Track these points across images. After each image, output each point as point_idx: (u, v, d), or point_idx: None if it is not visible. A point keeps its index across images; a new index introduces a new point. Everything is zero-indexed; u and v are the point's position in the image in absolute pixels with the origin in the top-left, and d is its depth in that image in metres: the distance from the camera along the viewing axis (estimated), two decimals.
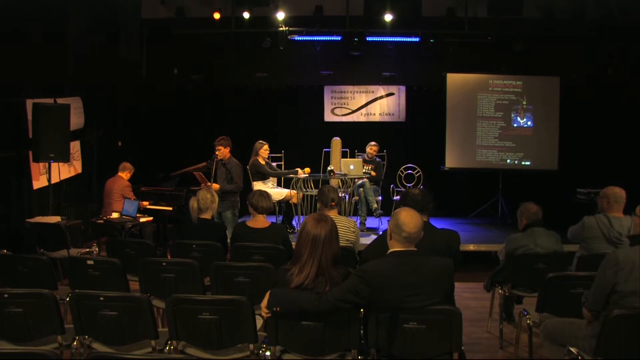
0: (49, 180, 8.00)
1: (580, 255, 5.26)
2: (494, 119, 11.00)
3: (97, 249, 7.41)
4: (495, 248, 6.66)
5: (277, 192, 8.57)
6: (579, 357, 3.55)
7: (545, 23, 10.16)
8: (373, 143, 9.70)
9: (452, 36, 10.68)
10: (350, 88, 11.77)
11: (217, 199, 5.64)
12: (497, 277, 5.32)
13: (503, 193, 11.04)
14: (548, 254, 4.98)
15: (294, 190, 8.64)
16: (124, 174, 8.62)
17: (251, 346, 3.58)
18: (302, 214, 8.75)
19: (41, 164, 8.09)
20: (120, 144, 10.77)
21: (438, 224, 4.83)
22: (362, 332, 3.46)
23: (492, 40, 10.80)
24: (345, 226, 5.22)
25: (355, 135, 10.61)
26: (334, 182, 8.73)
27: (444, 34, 10.64)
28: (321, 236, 3.35)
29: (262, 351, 3.57)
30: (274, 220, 8.58)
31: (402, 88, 11.72)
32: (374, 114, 11.78)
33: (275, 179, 8.98)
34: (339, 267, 3.39)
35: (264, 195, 5.46)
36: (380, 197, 9.39)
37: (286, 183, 9.23)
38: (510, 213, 10.35)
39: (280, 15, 10.05)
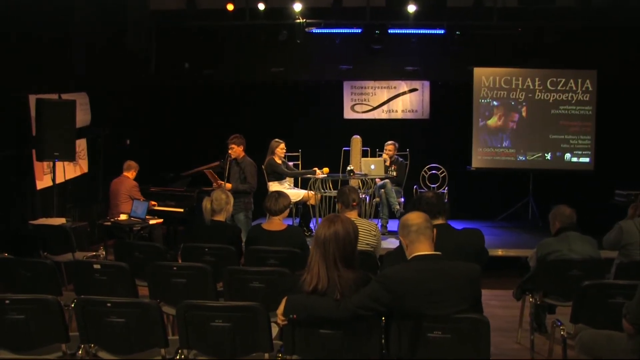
0: (53, 180, 8.07)
1: (619, 263, 5.21)
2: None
3: (104, 253, 7.43)
4: (525, 253, 6.62)
5: (294, 193, 8.57)
6: None
7: (581, 12, 10.02)
8: (389, 142, 9.64)
9: (480, 28, 10.57)
10: (371, 83, 11.76)
11: (232, 200, 5.65)
12: (528, 285, 5.27)
13: (534, 195, 10.96)
14: (583, 260, 4.92)
15: (311, 191, 8.64)
16: (130, 173, 8.67)
17: (266, 355, 3.57)
18: (320, 216, 8.74)
19: (45, 163, 8.16)
20: (128, 142, 10.84)
21: (464, 226, 4.81)
22: (383, 341, 3.45)
23: (523, 32, 10.69)
24: (366, 229, 5.21)
25: (377, 134, 10.54)
26: (353, 183, 8.72)
27: (471, 25, 10.54)
28: (325, 236, 3.36)
29: None
30: (291, 223, 8.58)
31: (426, 83, 11.68)
32: (396, 111, 11.75)
33: (292, 180, 9.00)
34: (356, 271, 3.38)
35: (280, 195, 5.47)
36: (402, 199, 9.35)
37: (303, 184, 9.23)
38: (541, 216, 10.26)
39: (297, 7, 10.02)
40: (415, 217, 3.46)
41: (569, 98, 10.83)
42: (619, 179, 9.87)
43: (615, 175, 10.16)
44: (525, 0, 10.04)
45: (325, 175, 8.67)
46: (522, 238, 9.53)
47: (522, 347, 5.56)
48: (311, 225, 8.93)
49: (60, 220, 7.48)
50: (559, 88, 10.84)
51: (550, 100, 10.87)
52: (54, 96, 8.25)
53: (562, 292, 4.96)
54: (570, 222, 5.11)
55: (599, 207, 9.39)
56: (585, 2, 9.88)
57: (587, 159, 10.86)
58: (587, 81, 10.78)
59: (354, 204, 5.27)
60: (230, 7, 10.17)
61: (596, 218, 7.68)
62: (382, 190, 9.13)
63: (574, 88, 10.81)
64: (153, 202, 8.85)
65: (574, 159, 10.88)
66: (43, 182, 8.27)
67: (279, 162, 8.69)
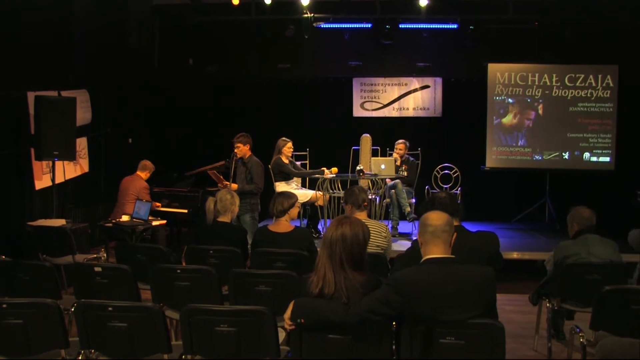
0: (52, 180, 8.09)
1: None
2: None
3: (105, 255, 7.47)
4: (541, 256, 6.60)
5: (302, 194, 8.56)
6: None
7: (601, 5, 9.94)
8: (400, 141, 9.61)
9: (495, 22, 10.54)
10: (381, 80, 11.74)
11: (237, 201, 5.66)
12: (545, 289, 5.25)
13: (551, 195, 10.92)
14: (603, 264, 4.89)
15: (319, 192, 8.63)
16: (144, 174, 8.70)
17: None
18: (328, 218, 8.73)
19: (44, 163, 8.17)
20: (130, 141, 10.86)
21: (478, 228, 4.80)
22: (394, 346, 3.44)
23: (540, 26, 10.62)
24: (376, 231, 5.20)
25: (387, 132, 10.56)
26: (363, 183, 8.72)
27: (485, 19, 10.52)
28: (332, 237, 3.37)
29: None
30: (298, 224, 8.58)
31: (439, 80, 11.65)
32: (407, 109, 11.73)
33: (299, 180, 9.00)
34: (365, 274, 3.38)
35: (280, 196, 5.48)
36: (413, 200, 9.34)
37: (311, 184, 9.23)
38: (558, 218, 10.23)
39: (305, 1, 9.99)
40: (434, 218, 3.42)
41: (589, 95, 10.77)
42: None
43: (638, 175, 10.07)
44: None
45: (334, 175, 8.66)
46: (538, 241, 9.48)
47: (539, 355, 5.53)
48: (319, 226, 8.93)
49: (59, 222, 7.50)
50: (577, 84, 10.78)
51: (569, 97, 10.82)
52: (54, 93, 8.26)
53: (581, 297, 4.93)
54: (590, 224, 5.08)
55: (620, 209, 9.35)
56: None
57: (607, 159, 10.80)
58: (608, 77, 10.70)
59: (365, 204, 5.28)
60: (235, 1, 10.14)
61: (617, 220, 7.65)
62: (393, 190, 9.12)
63: (594, 84, 10.74)
64: (157, 204, 8.85)
65: (594, 159, 10.82)
66: (42, 182, 8.28)
67: (286, 161, 8.68)
